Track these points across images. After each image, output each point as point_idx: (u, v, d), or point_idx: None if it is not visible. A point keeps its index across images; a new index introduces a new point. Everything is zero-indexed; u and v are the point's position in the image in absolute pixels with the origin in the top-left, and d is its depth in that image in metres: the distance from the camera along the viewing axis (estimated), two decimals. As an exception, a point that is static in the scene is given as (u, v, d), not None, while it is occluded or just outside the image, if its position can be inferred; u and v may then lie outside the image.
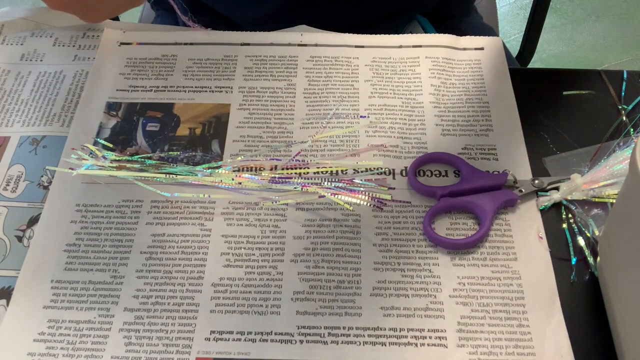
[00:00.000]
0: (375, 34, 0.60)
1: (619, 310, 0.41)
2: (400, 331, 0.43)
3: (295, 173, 0.51)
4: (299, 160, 0.52)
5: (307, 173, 0.51)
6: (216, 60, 0.59)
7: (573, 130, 0.53)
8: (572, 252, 0.47)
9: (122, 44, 0.61)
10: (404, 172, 0.51)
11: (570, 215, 0.48)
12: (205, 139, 0.54)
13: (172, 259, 0.46)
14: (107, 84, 0.57)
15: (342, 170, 0.51)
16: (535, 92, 0.56)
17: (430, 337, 0.42)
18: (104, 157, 0.52)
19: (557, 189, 0.49)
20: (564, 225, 0.48)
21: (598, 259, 0.45)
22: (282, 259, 0.46)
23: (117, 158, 0.52)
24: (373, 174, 0.50)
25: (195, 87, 0.57)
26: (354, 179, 0.50)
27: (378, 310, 0.44)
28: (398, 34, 0.61)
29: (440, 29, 0.72)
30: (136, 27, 0.64)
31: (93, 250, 0.47)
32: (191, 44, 0.60)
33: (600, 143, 0.52)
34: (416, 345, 0.42)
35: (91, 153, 0.52)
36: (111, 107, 0.56)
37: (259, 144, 0.53)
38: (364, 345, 0.42)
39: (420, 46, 0.59)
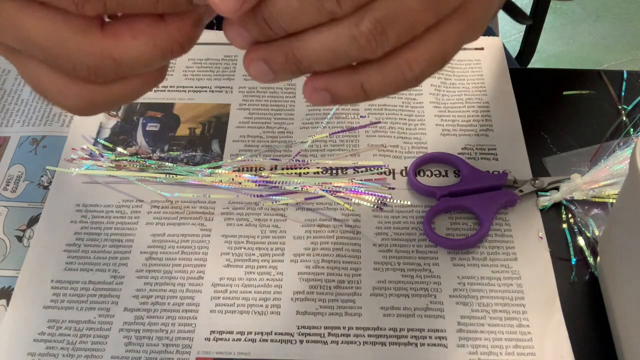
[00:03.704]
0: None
1: (619, 310, 0.41)
2: (400, 331, 0.43)
3: (295, 173, 0.51)
4: (299, 160, 0.52)
5: (307, 173, 0.51)
6: (216, 60, 0.59)
7: (573, 130, 0.53)
8: (572, 252, 0.47)
9: (122, 44, 0.60)
10: (404, 172, 0.51)
11: (570, 215, 0.48)
12: (205, 139, 0.54)
13: (172, 259, 0.46)
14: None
15: (342, 170, 0.51)
16: (535, 92, 0.56)
17: (430, 337, 0.42)
18: (102, 156, 0.52)
19: (557, 189, 0.49)
20: (564, 225, 0.48)
21: (598, 259, 0.45)
22: (282, 259, 0.46)
23: (117, 158, 0.52)
24: (373, 174, 0.50)
25: (195, 87, 0.57)
26: (354, 179, 0.50)
27: (378, 310, 0.44)
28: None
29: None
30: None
31: (93, 250, 0.47)
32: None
33: (600, 143, 0.52)
34: (416, 345, 0.42)
35: (91, 153, 0.52)
36: (111, 107, 0.56)
37: (259, 144, 0.53)
38: (364, 345, 0.42)
39: (420, 46, 0.59)
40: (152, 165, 0.51)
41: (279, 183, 0.50)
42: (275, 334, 0.43)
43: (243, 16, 0.24)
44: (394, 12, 0.23)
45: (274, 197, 0.49)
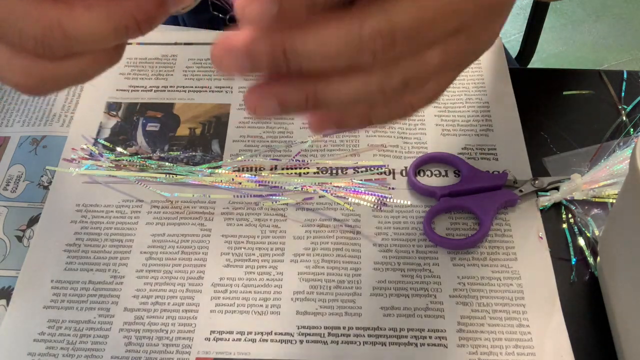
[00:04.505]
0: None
1: (619, 310, 0.41)
2: (400, 331, 0.43)
3: (295, 173, 0.51)
4: (299, 160, 0.52)
5: (307, 173, 0.51)
6: (216, 60, 0.59)
7: (573, 130, 0.53)
8: (572, 252, 0.47)
9: (122, 44, 0.60)
10: (404, 172, 0.51)
11: (570, 215, 0.48)
12: (205, 139, 0.54)
13: (172, 259, 0.46)
14: (107, 84, 0.57)
15: (342, 170, 0.51)
16: (535, 92, 0.56)
17: (430, 337, 0.42)
18: (102, 156, 0.52)
19: (557, 189, 0.49)
20: (564, 225, 0.48)
21: (598, 259, 0.45)
22: (282, 259, 0.46)
23: (117, 158, 0.52)
24: (373, 174, 0.50)
25: (195, 87, 0.57)
26: (354, 179, 0.50)
27: (378, 310, 0.44)
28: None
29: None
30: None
31: (93, 250, 0.47)
32: (191, 44, 0.60)
33: (600, 143, 0.52)
34: (416, 345, 0.42)
35: (91, 153, 0.52)
36: (111, 107, 0.56)
37: (259, 144, 0.53)
38: (364, 345, 0.42)
39: (420, 46, 0.59)
40: (152, 165, 0.51)
41: (279, 183, 0.50)
42: (275, 334, 0.43)
43: (250, 39, 0.22)
44: (419, 68, 0.25)
45: (274, 197, 0.49)
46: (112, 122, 0.55)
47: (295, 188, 0.49)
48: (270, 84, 0.24)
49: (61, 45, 0.23)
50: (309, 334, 0.43)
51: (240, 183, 0.50)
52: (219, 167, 0.51)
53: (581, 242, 0.47)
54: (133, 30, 0.24)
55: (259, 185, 0.50)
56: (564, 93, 0.56)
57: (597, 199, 0.49)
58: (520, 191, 0.49)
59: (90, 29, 0.23)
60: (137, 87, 0.57)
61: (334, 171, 0.51)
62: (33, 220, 0.49)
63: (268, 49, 0.22)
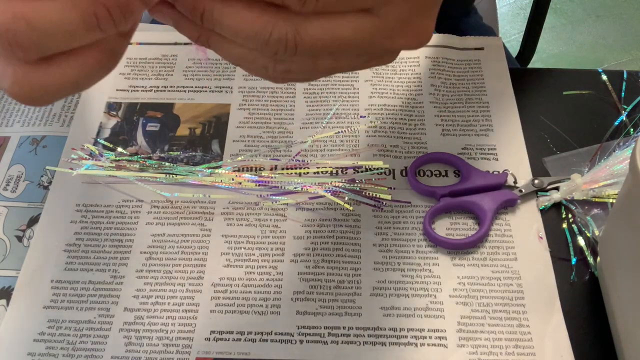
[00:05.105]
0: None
1: (619, 310, 0.41)
2: (400, 331, 0.43)
3: (295, 173, 0.51)
4: (299, 160, 0.52)
5: (307, 173, 0.51)
6: (216, 60, 0.59)
7: (573, 130, 0.53)
8: (572, 252, 0.47)
9: (122, 44, 0.60)
10: (404, 172, 0.51)
11: (570, 215, 0.48)
12: (205, 139, 0.54)
13: (172, 259, 0.46)
14: (107, 84, 0.57)
15: (342, 170, 0.51)
16: (535, 92, 0.56)
17: (430, 337, 0.42)
18: (102, 156, 0.52)
19: (557, 189, 0.49)
20: (564, 225, 0.48)
21: (598, 259, 0.45)
22: (282, 259, 0.46)
23: (117, 158, 0.52)
24: (373, 174, 0.50)
25: (195, 87, 0.57)
26: (354, 179, 0.50)
27: (378, 310, 0.44)
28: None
29: (440, 29, 0.72)
30: (136, 27, 0.64)
31: (93, 250, 0.47)
32: (191, 44, 0.60)
33: (600, 143, 0.52)
34: (416, 345, 0.42)
35: (91, 153, 0.52)
36: (111, 107, 0.56)
37: (259, 144, 0.53)
38: (364, 345, 0.42)
39: (420, 46, 0.59)
40: (152, 165, 0.51)
41: (279, 183, 0.50)
42: (275, 334, 0.43)
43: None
44: (307, 69, 0.27)
45: (274, 197, 0.49)
46: (112, 122, 0.55)
47: (295, 188, 0.49)
48: (176, 14, 0.27)
49: (30, 40, 0.22)
50: (309, 334, 0.43)
51: (240, 183, 0.50)
52: (219, 167, 0.51)
53: (581, 242, 0.47)
54: (105, 21, 0.22)
55: (259, 185, 0.50)
56: (564, 93, 0.56)
57: (597, 199, 0.49)
58: (520, 191, 0.49)
59: (54, 18, 0.21)
60: (137, 87, 0.57)
61: (334, 171, 0.51)
62: (33, 220, 0.49)
63: (190, 10, 0.26)
